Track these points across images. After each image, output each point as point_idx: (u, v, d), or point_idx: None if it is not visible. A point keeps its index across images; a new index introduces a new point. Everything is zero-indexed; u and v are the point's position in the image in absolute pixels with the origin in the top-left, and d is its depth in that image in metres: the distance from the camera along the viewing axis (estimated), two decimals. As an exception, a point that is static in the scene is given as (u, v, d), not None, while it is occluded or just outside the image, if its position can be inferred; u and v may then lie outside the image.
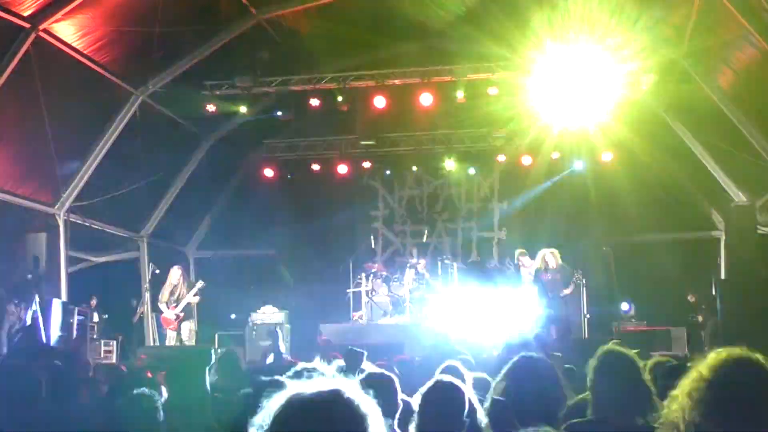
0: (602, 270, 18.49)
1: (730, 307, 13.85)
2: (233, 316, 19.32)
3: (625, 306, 17.71)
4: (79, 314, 16.59)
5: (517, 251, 17.01)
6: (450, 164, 19.27)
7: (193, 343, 16.11)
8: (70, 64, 14.49)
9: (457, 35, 17.63)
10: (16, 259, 14.70)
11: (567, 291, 15.49)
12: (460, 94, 16.18)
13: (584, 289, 16.52)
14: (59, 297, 15.40)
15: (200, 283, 16.11)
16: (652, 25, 14.29)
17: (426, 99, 16.66)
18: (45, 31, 13.47)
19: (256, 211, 20.70)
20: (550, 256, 15.64)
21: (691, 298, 18.55)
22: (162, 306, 16.15)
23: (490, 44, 16.02)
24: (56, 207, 16.16)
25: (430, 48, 18.11)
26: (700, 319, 17.27)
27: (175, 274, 16.21)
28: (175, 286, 16.07)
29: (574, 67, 15.25)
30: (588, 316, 16.61)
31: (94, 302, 18.63)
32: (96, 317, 18.19)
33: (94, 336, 17.31)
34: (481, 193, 20.22)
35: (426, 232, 19.23)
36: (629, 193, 19.29)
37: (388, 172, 20.36)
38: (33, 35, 13.26)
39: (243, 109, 17.15)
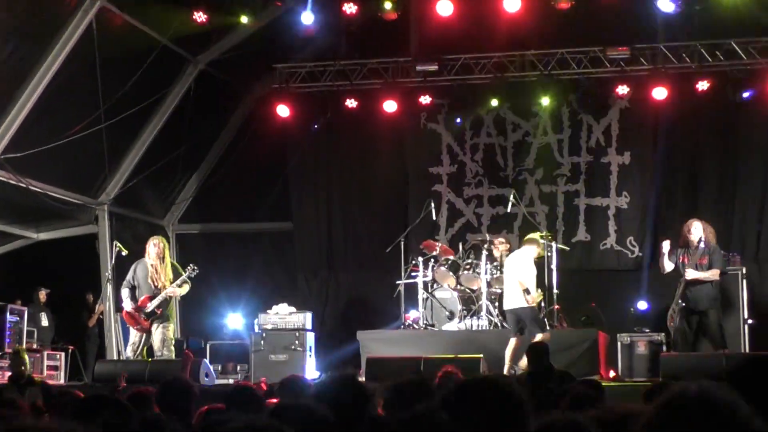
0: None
1: None
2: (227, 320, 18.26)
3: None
4: (11, 314, 16.16)
5: None
6: (546, 100, 17.45)
7: (170, 356, 14.10)
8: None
9: None
10: None
11: (709, 274, 14.10)
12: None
13: (744, 282, 15.37)
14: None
15: (191, 268, 14.40)
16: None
17: (512, 4, 15.48)
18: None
19: (265, 167, 19.34)
20: (697, 227, 14.33)
21: None
22: (124, 294, 14.03)
23: None
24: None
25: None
26: None
27: (154, 249, 14.20)
28: (153, 267, 14.07)
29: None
30: (751, 321, 15.26)
31: (42, 296, 18.13)
32: (45, 319, 17.75)
33: (34, 346, 16.59)
34: (592, 141, 18.13)
35: (511, 197, 17.15)
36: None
37: (456, 110, 18.50)
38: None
39: (245, 19, 16.23)
